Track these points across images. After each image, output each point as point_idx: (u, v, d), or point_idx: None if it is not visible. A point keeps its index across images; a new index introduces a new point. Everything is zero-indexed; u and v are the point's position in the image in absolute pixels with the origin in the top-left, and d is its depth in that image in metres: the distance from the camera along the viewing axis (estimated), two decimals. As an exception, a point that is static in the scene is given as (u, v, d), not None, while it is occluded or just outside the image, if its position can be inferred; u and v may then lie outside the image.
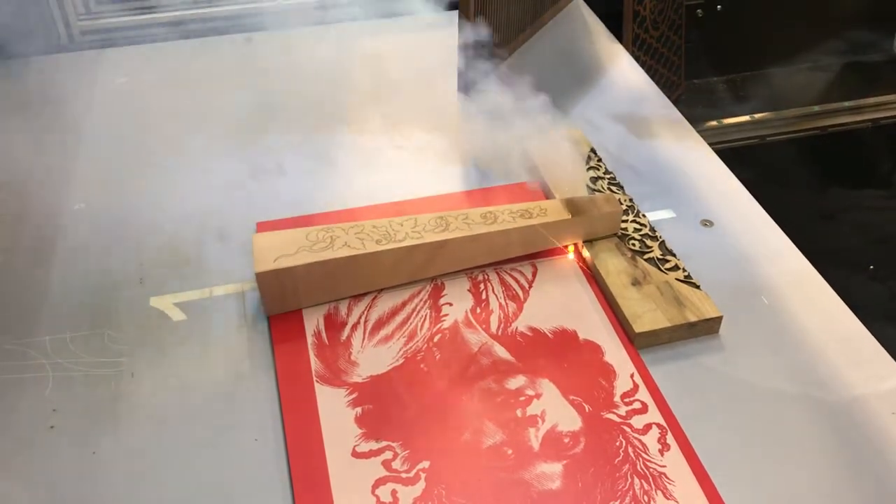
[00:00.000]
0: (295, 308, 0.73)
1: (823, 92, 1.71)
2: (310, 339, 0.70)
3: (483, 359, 0.69)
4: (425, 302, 0.74)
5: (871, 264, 1.47)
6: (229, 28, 1.19)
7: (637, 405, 0.65)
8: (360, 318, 0.72)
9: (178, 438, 0.63)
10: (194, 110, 1.00)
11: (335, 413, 0.64)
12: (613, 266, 0.76)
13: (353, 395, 0.66)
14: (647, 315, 0.71)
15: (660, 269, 0.75)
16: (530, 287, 0.76)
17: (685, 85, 1.65)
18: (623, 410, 0.65)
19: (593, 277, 0.77)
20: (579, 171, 0.86)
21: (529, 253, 0.78)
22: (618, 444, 0.62)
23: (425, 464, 0.61)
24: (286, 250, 0.71)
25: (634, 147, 0.94)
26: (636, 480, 0.60)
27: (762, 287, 0.76)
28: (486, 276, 0.77)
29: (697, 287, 0.73)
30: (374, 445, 0.62)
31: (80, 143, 0.94)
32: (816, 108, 1.67)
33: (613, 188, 0.85)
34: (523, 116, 0.95)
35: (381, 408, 0.65)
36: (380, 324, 0.72)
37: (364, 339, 0.71)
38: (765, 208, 0.86)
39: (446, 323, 0.72)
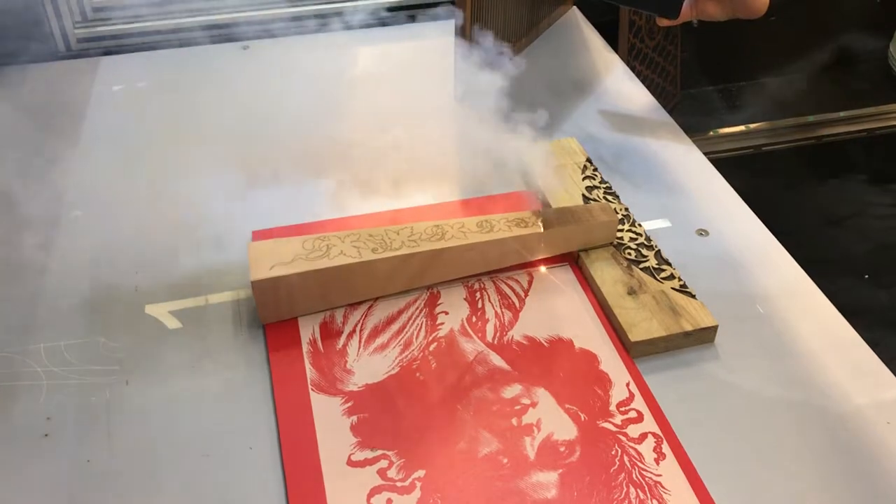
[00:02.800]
0: (290, 316, 0.73)
1: (819, 102, 1.72)
2: (305, 348, 0.70)
3: (479, 367, 0.69)
4: (421, 310, 0.74)
5: (867, 274, 1.48)
6: (226, 36, 1.19)
7: (633, 414, 0.65)
8: (355, 326, 0.72)
9: (173, 447, 0.63)
10: (191, 118, 1.00)
11: (330, 421, 0.64)
12: (609, 275, 0.76)
13: (349, 404, 0.66)
14: (642, 324, 0.71)
15: (655, 278, 0.76)
16: (526, 296, 0.76)
17: (681, 94, 1.66)
18: (619, 419, 0.65)
19: (589, 286, 0.77)
20: (565, 182, 0.87)
21: (525, 262, 0.78)
22: (613, 453, 0.62)
23: (421, 472, 0.61)
24: (282, 258, 0.71)
25: (630, 157, 0.95)
26: (632, 489, 0.60)
27: (757, 296, 0.76)
28: (482, 285, 0.77)
29: (693, 296, 0.73)
30: (369, 454, 0.62)
31: (76, 150, 0.94)
32: (811, 118, 1.68)
33: (609, 197, 0.85)
34: (518, 125, 0.95)
35: (377, 416, 0.65)
36: (375, 332, 0.72)
37: (360, 347, 0.71)
38: (760, 218, 0.86)
39: (442, 331, 0.72)
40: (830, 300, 0.76)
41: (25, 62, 1.09)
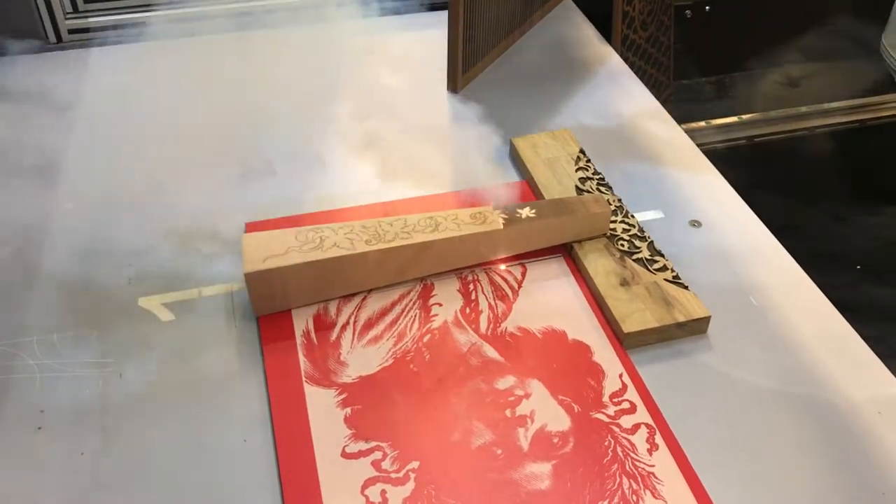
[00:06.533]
0: (284, 308, 0.73)
1: (811, 93, 1.72)
2: (299, 340, 0.70)
3: (472, 359, 0.69)
4: (415, 302, 0.74)
5: (858, 265, 1.48)
6: (220, 27, 1.18)
7: (626, 405, 0.66)
8: (349, 318, 0.72)
9: (167, 439, 0.63)
10: (184, 109, 0.99)
11: (324, 413, 0.64)
12: (602, 266, 0.76)
13: (343, 396, 0.66)
14: (635, 315, 0.71)
15: (648, 269, 0.76)
16: (519, 287, 0.76)
17: (674, 85, 1.66)
18: (612, 410, 0.65)
19: (582, 278, 0.77)
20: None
21: (519, 253, 0.78)
22: (606, 443, 0.63)
23: (415, 464, 0.61)
24: (275, 251, 0.71)
25: (623, 148, 0.95)
26: (625, 480, 0.60)
27: (750, 287, 0.77)
28: (475, 277, 0.77)
29: (686, 287, 0.74)
30: (363, 446, 0.62)
31: (68, 143, 0.93)
32: (804, 109, 1.68)
33: (602, 189, 0.85)
34: (510, 116, 0.95)
35: (371, 408, 0.65)
36: (369, 324, 0.72)
37: (353, 339, 0.71)
38: (753, 209, 0.86)
39: (436, 323, 0.72)
40: (824, 291, 0.77)
41: (15, 54, 1.08)
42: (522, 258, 0.79)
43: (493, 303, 0.74)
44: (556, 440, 0.63)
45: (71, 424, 0.63)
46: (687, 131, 0.98)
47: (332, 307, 0.73)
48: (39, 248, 0.79)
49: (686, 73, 1.70)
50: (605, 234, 0.79)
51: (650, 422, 0.64)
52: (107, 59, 1.10)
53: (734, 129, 1.65)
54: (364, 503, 0.58)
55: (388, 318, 0.73)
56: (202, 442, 0.62)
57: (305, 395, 0.66)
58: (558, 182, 0.86)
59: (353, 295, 0.74)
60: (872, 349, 0.71)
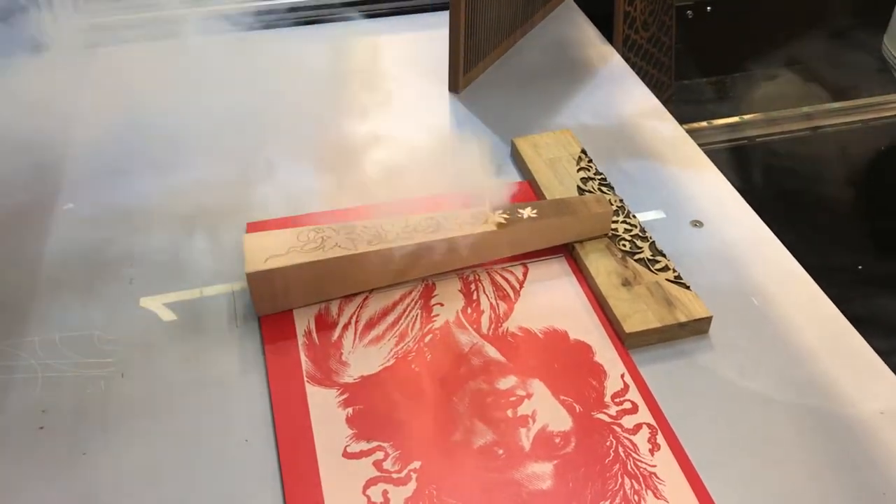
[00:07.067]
0: (286, 308, 0.73)
1: (813, 93, 1.72)
2: (301, 340, 0.70)
3: (474, 359, 0.69)
4: (416, 302, 0.74)
5: (859, 265, 1.48)
6: (221, 27, 1.18)
7: (627, 405, 0.66)
8: (351, 318, 0.72)
9: (169, 439, 0.63)
10: (185, 109, 0.99)
11: (326, 413, 0.64)
12: (604, 266, 0.76)
13: (344, 396, 0.66)
14: (637, 315, 0.71)
15: (650, 269, 0.76)
16: (521, 287, 0.76)
17: (675, 86, 1.66)
18: (613, 410, 0.65)
19: (584, 278, 0.77)
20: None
21: (520, 253, 0.78)
22: (608, 444, 0.63)
23: (416, 464, 0.61)
24: (277, 251, 0.71)
25: (625, 148, 0.95)
26: (626, 480, 0.60)
27: (752, 288, 0.77)
28: (476, 277, 0.77)
29: (687, 287, 0.74)
30: (365, 446, 0.62)
31: (69, 142, 0.93)
32: (806, 109, 1.68)
33: (604, 189, 0.85)
34: (511, 116, 0.95)
35: (372, 408, 0.65)
36: (371, 324, 0.72)
37: (355, 339, 0.71)
38: (754, 209, 0.86)
39: (437, 323, 0.72)
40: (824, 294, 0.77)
41: (16, 53, 1.08)
42: (524, 258, 0.79)
43: (494, 303, 0.74)
44: (557, 440, 0.63)
45: (73, 424, 0.64)
46: (688, 131, 0.98)
47: (334, 307, 0.73)
48: (40, 249, 0.79)
49: (687, 73, 1.70)
50: (606, 235, 0.79)
51: (652, 422, 0.64)
52: (107, 59, 1.10)
53: (736, 130, 1.65)
54: (366, 503, 0.58)
55: (390, 318, 0.73)
56: (203, 441, 0.62)
57: (307, 394, 0.66)
58: (560, 182, 0.86)
59: (355, 295, 0.74)
60: (886, 363, 0.71)
